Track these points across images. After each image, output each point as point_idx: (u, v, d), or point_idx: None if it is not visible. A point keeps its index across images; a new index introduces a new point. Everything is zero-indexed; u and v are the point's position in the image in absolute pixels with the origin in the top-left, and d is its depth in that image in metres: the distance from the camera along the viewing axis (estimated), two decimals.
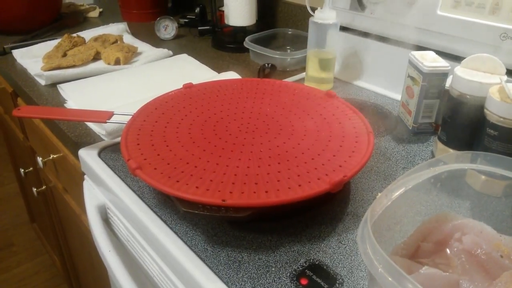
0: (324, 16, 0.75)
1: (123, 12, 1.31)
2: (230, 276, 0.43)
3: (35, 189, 1.10)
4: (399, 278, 0.30)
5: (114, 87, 0.83)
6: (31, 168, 1.18)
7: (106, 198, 0.61)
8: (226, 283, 0.42)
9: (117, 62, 0.94)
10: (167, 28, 1.13)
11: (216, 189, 0.46)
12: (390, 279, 0.30)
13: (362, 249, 0.33)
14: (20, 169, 1.20)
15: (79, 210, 0.86)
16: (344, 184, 0.47)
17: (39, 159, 0.91)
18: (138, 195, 0.54)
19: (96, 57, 0.98)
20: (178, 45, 1.10)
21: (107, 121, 0.61)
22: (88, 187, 0.65)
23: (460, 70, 0.56)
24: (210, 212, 0.43)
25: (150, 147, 0.53)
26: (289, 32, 1.04)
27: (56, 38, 1.06)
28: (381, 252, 0.31)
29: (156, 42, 1.11)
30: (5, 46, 1.03)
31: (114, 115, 0.63)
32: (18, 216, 1.83)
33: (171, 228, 0.49)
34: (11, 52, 1.01)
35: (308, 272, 0.43)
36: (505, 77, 0.54)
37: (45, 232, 1.45)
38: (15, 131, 1.23)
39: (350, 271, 0.43)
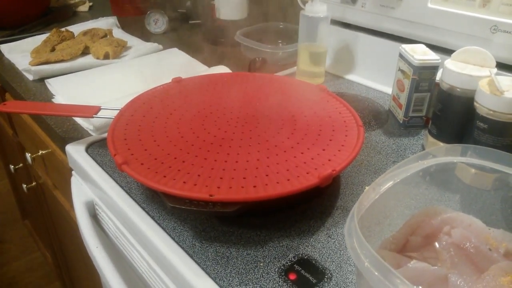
0: (315, 9, 0.75)
1: (113, 6, 1.29)
2: (218, 271, 0.42)
3: (25, 185, 1.09)
4: (386, 273, 0.30)
5: (103, 82, 0.82)
6: (21, 165, 1.17)
7: (94, 194, 0.61)
8: (213, 278, 0.41)
9: (106, 56, 0.93)
10: (158, 22, 1.12)
11: (204, 184, 0.45)
12: (376, 273, 0.30)
13: (349, 244, 0.33)
14: (10, 166, 1.19)
15: (69, 206, 0.85)
16: (333, 178, 0.47)
17: (28, 155, 0.89)
18: (126, 191, 0.53)
19: (85, 52, 0.96)
20: (168, 39, 1.09)
21: (94, 116, 0.60)
22: (76, 183, 0.64)
23: (450, 63, 0.56)
24: (197, 207, 0.43)
25: (137, 142, 0.52)
26: (281, 26, 1.03)
27: (45, 33, 1.04)
28: (367, 247, 0.31)
29: (146, 36, 1.10)
30: None
31: (102, 110, 0.62)
32: (10, 212, 1.81)
33: (159, 224, 0.48)
34: None
35: (296, 267, 0.42)
36: (495, 70, 0.54)
37: (37, 228, 1.44)
38: (4, 126, 1.21)
39: (339, 265, 0.43)
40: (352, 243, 0.32)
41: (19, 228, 1.74)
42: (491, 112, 0.49)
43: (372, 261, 0.30)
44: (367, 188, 0.37)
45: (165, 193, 0.44)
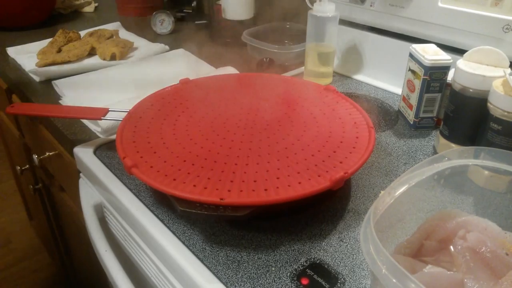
0: (323, 9, 0.74)
1: (119, 7, 1.29)
2: (229, 276, 0.42)
3: (31, 186, 1.09)
4: (404, 279, 0.29)
5: (110, 83, 0.82)
6: (27, 166, 1.17)
7: (102, 197, 0.60)
8: (225, 283, 0.41)
9: (112, 57, 0.93)
10: (164, 23, 1.12)
11: (214, 187, 0.44)
12: (394, 280, 0.29)
13: (365, 249, 0.32)
14: (17, 167, 1.19)
15: (76, 208, 0.85)
16: (344, 181, 0.46)
17: (35, 157, 0.89)
18: (135, 194, 0.53)
19: (92, 53, 0.96)
20: (174, 39, 1.09)
21: (102, 118, 0.60)
22: (84, 185, 0.64)
23: (462, 63, 0.55)
24: (207, 211, 0.42)
25: (146, 144, 0.52)
26: (288, 26, 1.02)
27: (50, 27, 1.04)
28: (384, 253, 0.30)
29: (153, 36, 1.09)
30: None
31: (110, 112, 0.61)
32: (16, 213, 1.81)
33: (168, 228, 0.48)
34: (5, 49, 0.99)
35: (309, 271, 0.42)
36: (509, 70, 0.53)
37: (43, 229, 1.44)
38: (10, 128, 1.21)
39: (352, 270, 0.42)
40: (368, 249, 0.32)
41: (25, 228, 1.74)
42: (506, 113, 0.48)
43: (389, 267, 0.30)
44: (382, 192, 0.37)
45: (175, 196, 0.43)
